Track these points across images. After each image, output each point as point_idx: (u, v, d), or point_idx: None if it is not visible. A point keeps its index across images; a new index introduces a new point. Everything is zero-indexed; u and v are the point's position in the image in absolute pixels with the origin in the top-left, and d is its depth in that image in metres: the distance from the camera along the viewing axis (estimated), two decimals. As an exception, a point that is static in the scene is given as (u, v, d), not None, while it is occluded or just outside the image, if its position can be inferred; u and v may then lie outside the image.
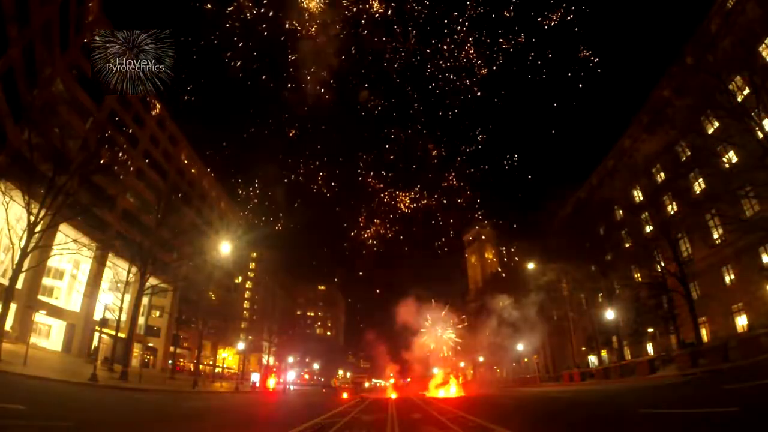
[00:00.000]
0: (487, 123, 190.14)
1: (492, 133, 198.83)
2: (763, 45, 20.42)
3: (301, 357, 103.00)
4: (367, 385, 67.90)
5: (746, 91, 20.26)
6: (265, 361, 74.53)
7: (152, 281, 32.79)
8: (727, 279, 25.54)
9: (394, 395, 41.54)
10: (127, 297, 30.60)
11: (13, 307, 24.18)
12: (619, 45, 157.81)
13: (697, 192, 27.14)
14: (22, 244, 19.63)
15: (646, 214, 31.42)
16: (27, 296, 29.27)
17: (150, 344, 49.33)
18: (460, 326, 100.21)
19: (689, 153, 27.82)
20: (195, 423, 11.88)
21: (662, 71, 30.13)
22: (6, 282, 22.65)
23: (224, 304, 61.79)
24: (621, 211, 37.10)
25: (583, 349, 43.30)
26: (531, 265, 42.21)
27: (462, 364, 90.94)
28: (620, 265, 34.74)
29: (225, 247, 33.59)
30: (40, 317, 31.52)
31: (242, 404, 20.64)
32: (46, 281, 34.98)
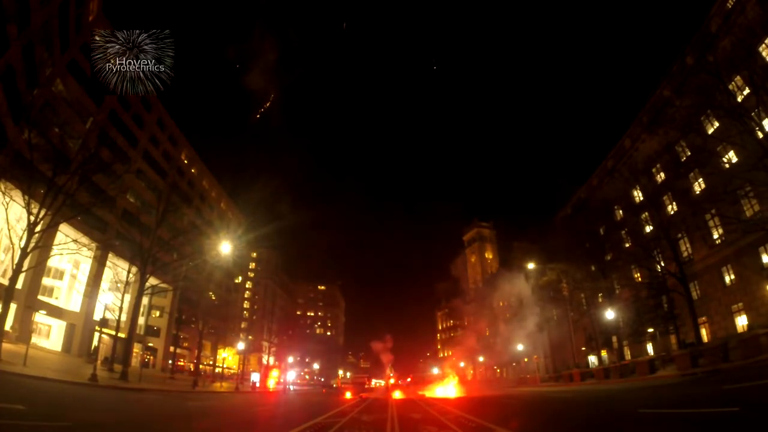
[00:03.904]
0: (488, 123, 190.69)
1: (492, 133, 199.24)
2: (763, 45, 20.41)
3: (301, 357, 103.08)
4: (367, 385, 67.88)
5: (746, 91, 20.27)
6: (265, 361, 74.56)
7: (152, 281, 32.80)
8: (727, 279, 25.53)
9: (398, 394, 41.59)
10: (127, 297, 30.59)
11: (13, 307, 24.19)
12: (620, 45, 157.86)
13: (697, 192, 27.15)
14: (22, 244, 19.62)
15: (646, 214, 31.41)
16: (27, 296, 29.28)
17: (150, 344, 49.36)
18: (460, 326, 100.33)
19: (689, 153, 27.83)
20: (195, 423, 11.87)
21: (662, 71, 30.12)
22: (6, 282, 22.66)
23: (224, 304, 61.85)
24: (621, 211, 37.12)
25: (583, 349, 43.30)
26: (531, 265, 42.20)
27: (462, 364, 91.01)
28: (620, 265, 34.74)
29: (225, 247, 33.56)
30: (40, 317, 31.54)
31: (242, 404, 20.63)
32: (46, 281, 35.00)
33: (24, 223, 19.83)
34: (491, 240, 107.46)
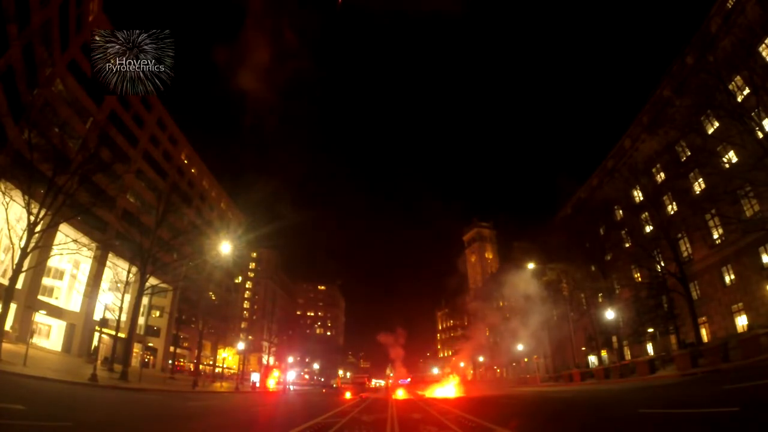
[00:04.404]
0: (488, 123, 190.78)
1: (492, 133, 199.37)
2: (763, 45, 20.40)
3: (301, 357, 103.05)
4: (367, 385, 67.98)
5: (746, 91, 20.27)
6: (265, 361, 74.59)
7: (152, 281, 32.81)
8: (727, 279, 25.53)
9: (401, 393, 41.70)
10: (127, 297, 30.61)
11: (13, 307, 24.19)
12: (620, 45, 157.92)
13: (697, 192, 27.14)
14: (22, 244, 19.62)
15: (646, 214, 31.41)
16: (27, 296, 29.29)
17: (150, 344, 49.37)
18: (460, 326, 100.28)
19: (689, 153, 27.82)
20: (195, 423, 11.86)
21: (662, 71, 30.13)
22: (6, 282, 22.66)
23: (224, 304, 61.86)
24: (621, 211, 37.11)
25: (583, 349, 43.31)
26: (531, 265, 42.22)
27: (462, 364, 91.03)
28: (620, 265, 34.73)
29: (225, 247, 33.57)
30: (40, 317, 31.54)
31: (242, 404, 20.63)
32: (46, 281, 35.01)
33: (24, 223, 19.83)
34: (491, 240, 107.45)
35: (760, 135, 17.79)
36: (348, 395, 37.00)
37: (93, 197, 25.66)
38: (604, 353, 39.39)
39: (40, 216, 20.22)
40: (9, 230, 20.18)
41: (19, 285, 22.64)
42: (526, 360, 58.51)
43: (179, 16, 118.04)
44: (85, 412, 11.21)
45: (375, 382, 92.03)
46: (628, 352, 34.13)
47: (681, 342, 25.94)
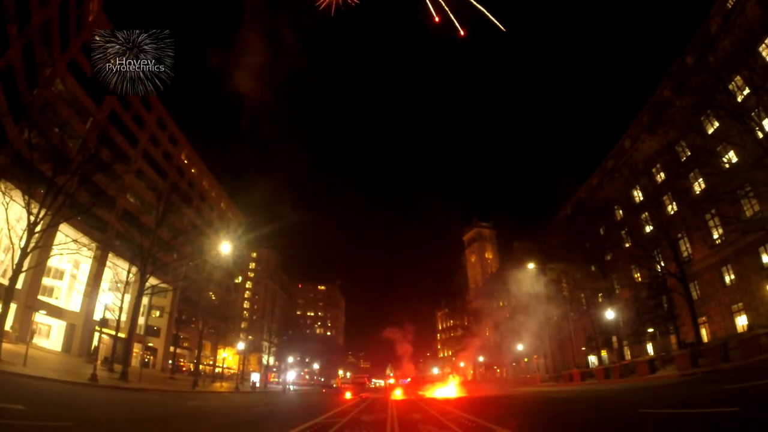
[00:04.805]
0: (488, 123, 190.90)
1: (492, 133, 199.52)
2: (763, 45, 20.41)
3: (301, 357, 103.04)
4: (367, 385, 68.03)
5: (746, 91, 20.28)
6: (265, 361, 74.57)
7: (152, 281, 32.80)
8: (727, 279, 25.53)
9: (399, 392, 41.77)
10: (127, 297, 30.60)
11: (13, 307, 24.18)
12: (621, 45, 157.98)
13: (697, 192, 27.15)
14: (22, 244, 19.62)
15: (646, 214, 31.42)
16: (27, 296, 29.28)
17: (150, 344, 49.36)
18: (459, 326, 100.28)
19: (689, 153, 27.84)
20: (195, 423, 11.87)
21: (662, 71, 30.13)
22: (6, 282, 22.66)
23: (224, 304, 61.82)
24: (621, 211, 37.13)
25: (584, 349, 43.32)
26: (531, 266, 42.25)
27: (462, 364, 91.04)
28: (620, 265, 34.73)
29: (225, 247, 33.55)
30: (40, 317, 31.54)
31: (242, 404, 20.64)
32: (46, 281, 34.99)
33: (24, 223, 19.82)
34: (491, 240, 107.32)
35: (760, 135, 17.79)
36: (348, 395, 36.97)
37: (93, 197, 25.65)
38: (604, 353, 39.39)
39: (40, 216, 20.21)
40: (9, 230, 20.18)
41: (19, 285, 22.64)
42: (526, 360, 58.53)
43: (179, 16, 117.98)
44: (85, 412, 11.22)
45: (375, 382, 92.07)
46: (628, 352, 34.14)
47: (681, 342, 25.95)
